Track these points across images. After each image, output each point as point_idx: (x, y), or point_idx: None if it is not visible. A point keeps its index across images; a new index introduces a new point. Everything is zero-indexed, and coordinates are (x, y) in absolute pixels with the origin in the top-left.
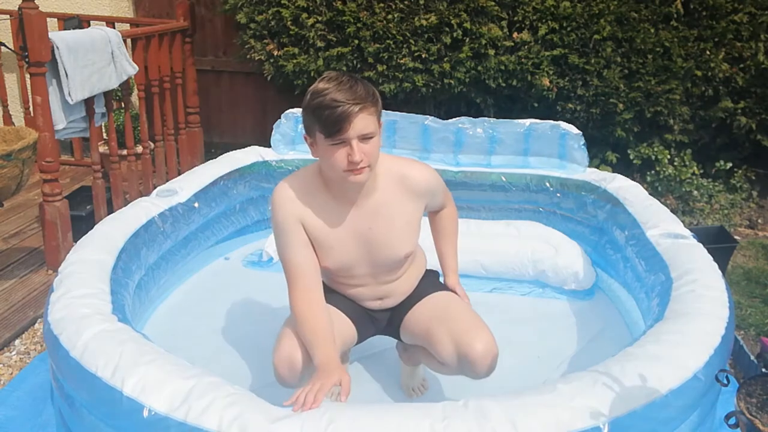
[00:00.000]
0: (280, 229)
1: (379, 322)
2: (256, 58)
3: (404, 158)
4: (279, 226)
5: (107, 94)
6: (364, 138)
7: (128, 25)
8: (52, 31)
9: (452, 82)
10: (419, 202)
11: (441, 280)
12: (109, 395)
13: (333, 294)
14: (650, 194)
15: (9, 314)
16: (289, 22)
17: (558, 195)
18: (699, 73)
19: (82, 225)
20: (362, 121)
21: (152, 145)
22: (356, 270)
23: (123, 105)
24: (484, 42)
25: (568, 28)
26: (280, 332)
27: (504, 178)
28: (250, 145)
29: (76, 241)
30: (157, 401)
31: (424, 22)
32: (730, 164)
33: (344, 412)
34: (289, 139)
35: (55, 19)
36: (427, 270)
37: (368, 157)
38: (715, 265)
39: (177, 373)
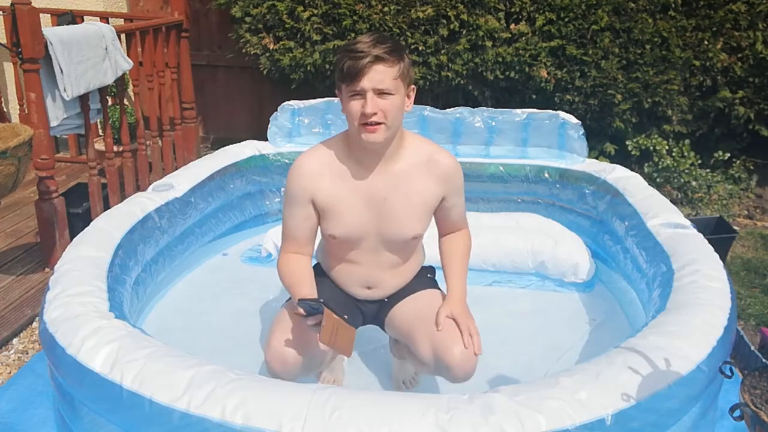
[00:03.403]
0: (288, 200)
1: (366, 315)
2: (252, 52)
3: (436, 144)
4: (288, 197)
5: (102, 90)
6: (381, 93)
7: (122, 20)
8: (45, 27)
9: (450, 74)
10: (439, 188)
11: (434, 277)
12: (109, 390)
13: (322, 283)
14: (649, 185)
15: (7, 313)
16: (284, 16)
17: (557, 186)
18: (697, 63)
19: (79, 222)
20: (378, 74)
21: (148, 141)
22: (362, 243)
23: (118, 101)
24: (481, 34)
25: (566, 19)
26: (270, 328)
27: (502, 168)
28: (246, 140)
29: (73, 239)
30: (159, 393)
31: (420, 14)
32: (728, 154)
33: (348, 399)
34: (285, 131)
35: (48, 15)
36: (422, 267)
37: (384, 113)
38: (716, 255)
39: (176, 363)
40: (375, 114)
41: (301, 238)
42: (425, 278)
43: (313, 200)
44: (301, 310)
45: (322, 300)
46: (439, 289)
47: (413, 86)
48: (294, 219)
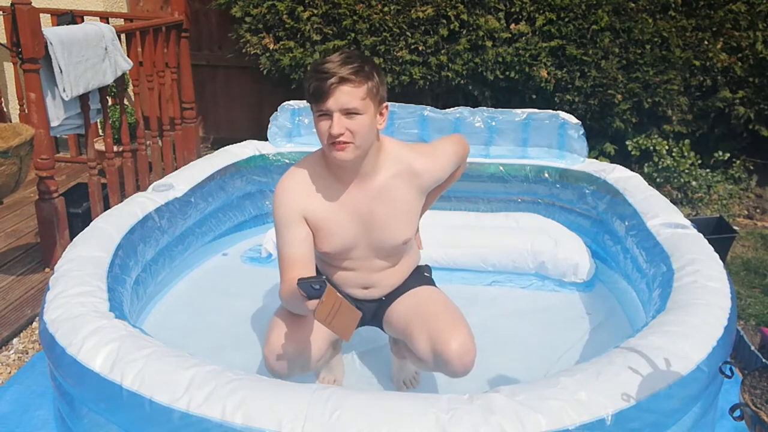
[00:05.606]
0: (280, 225)
1: (366, 314)
2: (252, 53)
3: (417, 147)
4: (279, 221)
5: (102, 90)
6: (348, 113)
7: (122, 20)
8: (45, 27)
9: (450, 74)
10: (421, 194)
11: (431, 275)
12: (109, 390)
13: None
14: (649, 185)
15: (7, 312)
16: (284, 16)
17: (557, 186)
18: (697, 63)
19: (79, 222)
20: (345, 95)
21: (148, 141)
22: (353, 252)
23: (118, 101)
24: (481, 34)
25: (566, 19)
26: (269, 324)
27: (502, 168)
28: (246, 140)
29: (73, 239)
30: (159, 393)
31: (420, 14)
32: (728, 154)
33: (349, 399)
34: (285, 131)
35: (48, 15)
36: (418, 266)
37: (353, 133)
38: (717, 255)
39: (176, 363)
40: (342, 134)
41: (301, 260)
42: (422, 276)
43: (306, 216)
44: (303, 293)
45: (324, 277)
46: (435, 286)
47: (386, 104)
48: (293, 242)
